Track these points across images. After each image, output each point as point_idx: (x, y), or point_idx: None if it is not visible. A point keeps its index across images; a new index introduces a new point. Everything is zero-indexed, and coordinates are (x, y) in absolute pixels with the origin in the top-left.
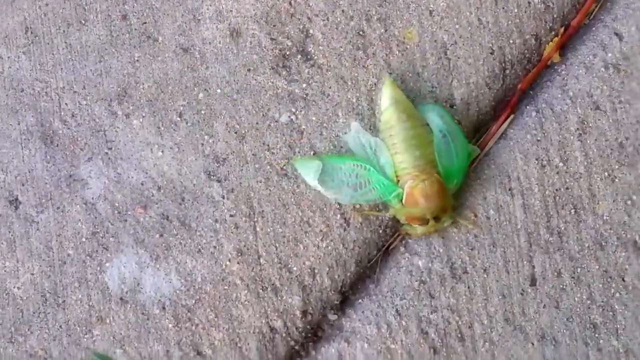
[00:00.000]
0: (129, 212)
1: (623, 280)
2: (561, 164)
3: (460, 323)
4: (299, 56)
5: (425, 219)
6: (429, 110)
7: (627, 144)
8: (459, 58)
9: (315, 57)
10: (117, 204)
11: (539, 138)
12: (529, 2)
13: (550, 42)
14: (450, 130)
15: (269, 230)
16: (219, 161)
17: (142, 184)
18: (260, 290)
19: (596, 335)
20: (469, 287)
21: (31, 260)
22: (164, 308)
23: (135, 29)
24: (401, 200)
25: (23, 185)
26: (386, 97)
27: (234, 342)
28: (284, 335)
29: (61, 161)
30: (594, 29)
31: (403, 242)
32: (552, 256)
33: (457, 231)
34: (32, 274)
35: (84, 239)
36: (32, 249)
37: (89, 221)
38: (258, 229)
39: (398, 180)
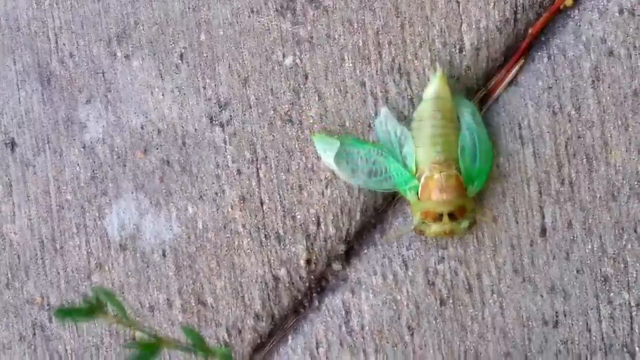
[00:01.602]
0: (129, 157)
1: (635, 231)
2: (573, 112)
3: (468, 274)
4: None
5: (439, 215)
6: (462, 106)
7: None
8: (468, 1)
9: None
10: (116, 148)
11: (550, 85)
12: None
13: None
14: (478, 132)
15: (272, 177)
16: (221, 105)
17: (142, 128)
18: (263, 239)
19: (607, 287)
20: (477, 237)
21: (28, 204)
22: (164, 255)
23: None
24: (417, 194)
25: (20, 127)
26: (431, 90)
27: (236, 291)
28: (287, 284)
29: (59, 103)
30: None
31: None
32: (562, 206)
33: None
34: (30, 219)
35: (82, 184)
36: (29, 193)
37: (87, 165)
38: (261, 175)
39: (417, 173)
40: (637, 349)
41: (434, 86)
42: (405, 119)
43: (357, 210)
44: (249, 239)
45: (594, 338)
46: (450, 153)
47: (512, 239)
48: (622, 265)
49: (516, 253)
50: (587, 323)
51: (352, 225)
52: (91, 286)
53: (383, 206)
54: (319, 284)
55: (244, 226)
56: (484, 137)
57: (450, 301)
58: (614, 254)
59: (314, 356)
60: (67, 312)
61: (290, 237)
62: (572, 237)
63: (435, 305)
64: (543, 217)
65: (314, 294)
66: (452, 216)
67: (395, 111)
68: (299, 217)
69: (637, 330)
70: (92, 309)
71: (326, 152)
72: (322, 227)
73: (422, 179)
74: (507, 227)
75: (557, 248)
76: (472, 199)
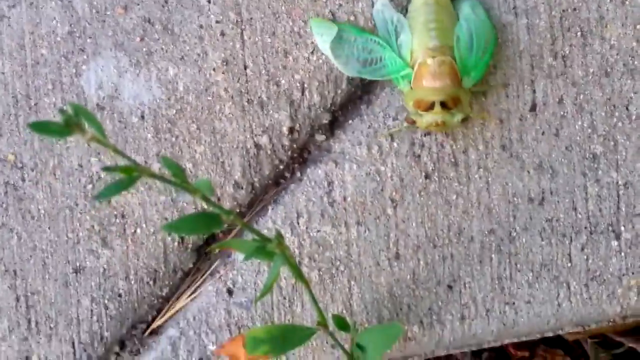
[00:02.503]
0: (108, 12)
1: (627, 109)
2: None
3: (454, 147)
4: None
5: (431, 103)
6: (464, 1)
7: None
8: None
9: None
10: (95, 3)
11: None
12: None
13: None
14: (476, 23)
15: (257, 39)
16: None
17: None
18: (246, 104)
19: (595, 166)
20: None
21: (2, 58)
22: (142, 117)
23: None
24: (410, 83)
25: None
26: None
27: (216, 157)
28: (269, 152)
29: None
30: None
31: None
32: (554, 81)
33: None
34: (3, 74)
35: (59, 39)
36: (2, 46)
37: (64, 20)
38: (245, 37)
39: (414, 62)
40: (622, 228)
41: None
42: (403, 9)
43: (343, 78)
44: (230, 104)
45: (580, 217)
46: (445, 40)
47: (501, 113)
48: (612, 144)
49: (504, 128)
50: (573, 201)
51: (338, 94)
52: (66, 148)
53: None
54: (302, 155)
55: (226, 90)
56: (483, 29)
57: (435, 175)
58: (604, 132)
59: (294, 226)
60: (42, 126)
61: (273, 104)
62: (562, 114)
63: (420, 178)
64: (534, 92)
65: (296, 165)
66: (444, 106)
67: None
68: (283, 82)
69: (623, 210)
70: (68, 124)
71: (323, 36)
72: (307, 94)
73: (416, 66)
74: (497, 101)
75: (547, 124)
76: (468, 91)
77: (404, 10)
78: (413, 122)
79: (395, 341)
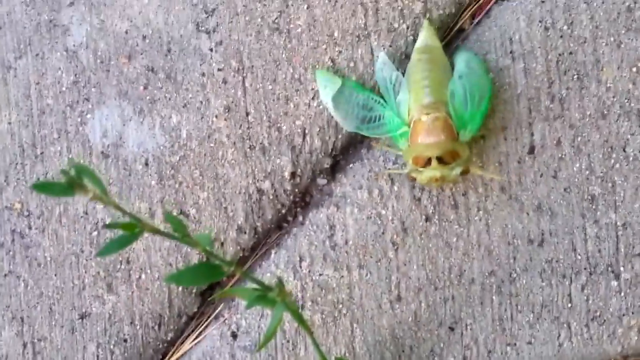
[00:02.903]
0: (112, 62)
1: (624, 150)
2: (565, 27)
3: (454, 190)
4: None
5: (428, 159)
6: (460, 56)
7: (635, 7)
8: None
9: None
10: (99, 53)
11: None
12: None
13: None
14: (471, 77)
15: (258, 86)
16: (208, 11)
17: (126, 33)
18: (248, 150)
19: (594, 207)
20: None
21: (8, 108)
22: (146, 164)
23: None
24: (408, 140)
25: (0, 28)
26: (420, 39)
27: (219, 202)
28: (271, 197)
29: (41, 4)
30: None
31: None
32: (552, 124)
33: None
34: (9, 123)
35: (64, 89)
36: (9, 96)
37: (70, 70)
38: (247, 84)
39: (410, 119)
40: (622, 269)
41: (422, 35)
42: (404, 59)
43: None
44: (233, 150)
45: (579, 258)
46: (439, 95)
47: (500, 156)
48: (610, 185)
49: (503, 170)
50: (572, 242)
51: (339, 138)
52: (72, 197)
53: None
54: (304, 199)
55: (228, 136)
56: (478, 83)
57: (436, 217)
58: (602, 173)
59: (297, 270)
60: (45, 186)
61: (275, 149)
62: (560, 156)
63: (421, 221)
64: (532, 134)
65: (298, 209)
66: (442, 161)
67: (392, 45)
68: (284, 128)
69: (622, 251)
70: (70, 183)
71: (326, 88)
72: (308, 139)
73: (412, 124)
74: (496, 144)
75: (545, 166)
76: (466, 145)
77: (402, 67)
78: (414, 179)
79: None
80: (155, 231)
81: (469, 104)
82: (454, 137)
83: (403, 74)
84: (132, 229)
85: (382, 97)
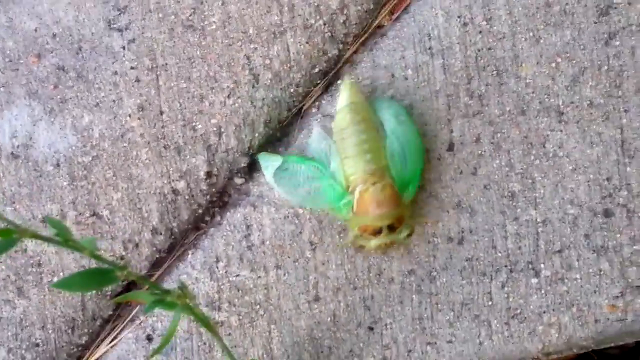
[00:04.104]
0: (22, 61)
1: (544, 147)
2: (484, 23)
3: None
4: None
5: (378, 229)
6: (384, 108)
7: (553, 2)
8: None
9: None
10: (8, 52)
11: None
12: None
13: None
14: (404, 133)
15: (172, 84)
16: (119, 9)
17: (35, 31)
18: (162, 149)
19: (514, 204)
20: None
21: None
22: (58, 165)
23: None
24: (352, 209)
25: None
26: (343, 97)
27: (133, 203)
28: (187, 197)
29: None
30: None
31: (316, 103)
32: (471, 120)
33: (372, 92)
34: None
35: None
36: None
37: None
38: (161, 83)
39: (349, 187)
40: (542, 266)
41: (346, 93)
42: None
43: (261, 121)
44: (147, 150)
45: (499, 255)
46: (380, 160)
47: None
48: (530, 181)
49: (423, 168)
50: (492, 240)
51: (255, 137)
52: None
53: (288, 118)
54: (221, 199)
55: (142, 136)
56: (411, 137)
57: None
58: (521, 169)
59: (213, 271)
60: None
61: (190, 148)
62: (479, 152)
63: (339, 220)
64: (451, 131)
65: (216, 209)
66: (391, 228)
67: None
68: (199, 127)
69: (542, 248)
70: None
71: (269, 168)
72: (224, 138)
73: (357, 193)
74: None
75: (465, 163)
76: (408, 205)
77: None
78: (362, 247)
79: None
80: (36, 236)
81: (407, 162)
82: (400, 202)
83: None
84: (9, 234)
85: (321, 164)
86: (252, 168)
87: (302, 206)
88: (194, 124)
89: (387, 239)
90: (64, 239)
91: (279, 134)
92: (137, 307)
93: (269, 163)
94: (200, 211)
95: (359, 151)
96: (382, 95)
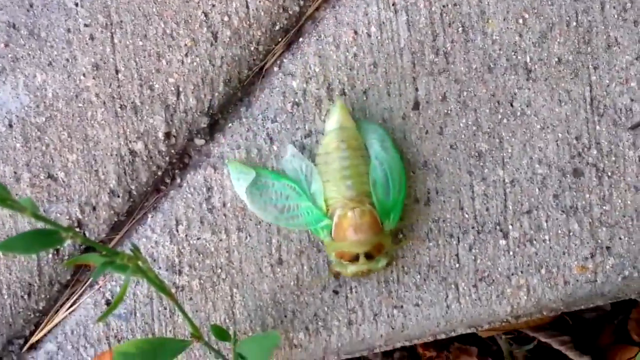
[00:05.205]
0: None
1: (511, 105)
2: None
3: None
4: None
5: (355, 255)
6: (370, 132)
7: None
8: None
9: None
10: None
11: None
12: None
13: None
14: (389, 160)
15: (128, 43)
16: None
17: None
18: (119, 109)
19: (481, 164)
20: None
21: None
22: (10, 126)
23: None
24: (330, 233)
25: None
26: (333, 120)
27: (89, 165)
28: (145, 159)
29: None
30: None
31: (277, 62)
32: (437, 78)
33: (335, 49)
34: None
35: None
36: None
37: None
38: (116, 41)
39: (328, 211)
40: (510, 227)
41: (335, 116)
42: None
43: (220, 81)
44: (103, 109)
45: (467, 216)
46: (361, 186)
47: (384, 112)
48: (497, 141)
49: (388, 127)
50: (460, 201)
51: (215, 96)
52: None
53: (249, 77)
54: (182, 160)
55: (97, 96)
56: (395, 164)
57: None
58: (489, 129)
59: (174, 235)
60: None
61: (147, 109)
62: (446, 111)
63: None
64: (416, 89)
65: (176, 171)
66: (368, 255)
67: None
68: (157, 87)
69: (510, 208)
70: None
71: (239, 180)
72: (182, 98)
73: (335, 218)
74: (379, 100)
75: (431, 122)
76: (389, 234)
77: (311, 153)
78: (338, 274)
79: (273, 349)
80: None
81: (390, 190)
82: (380, 230)
83: (313, 160)
84: None
85: (297, 184)
86: (213, 129)
87: (276, 223)
88: (151, 83)
89: (365, 266)
90: (1, 199)
91: (241, 94)
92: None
93: (240, 174)
94: (159, 173)
95: (341, 176)
96: (369, 118)
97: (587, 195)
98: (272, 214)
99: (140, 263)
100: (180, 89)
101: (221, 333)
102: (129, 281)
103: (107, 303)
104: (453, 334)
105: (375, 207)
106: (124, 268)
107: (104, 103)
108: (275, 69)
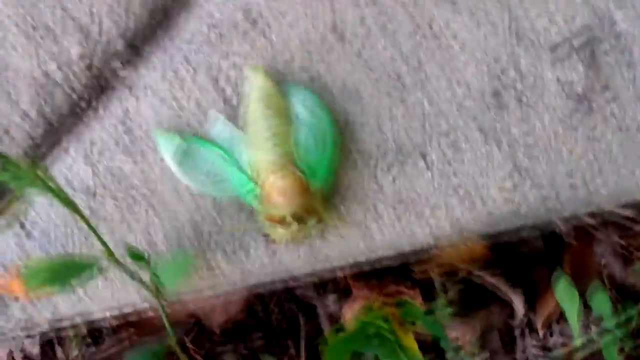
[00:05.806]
0: None
1: (431, 27)
2: None
3: None
4: None
5: (283, 218)
6: (295, 95)
7: None
8: None
9: None
10: None
11: None
12: None
13: None
14: (316, 123)
15: None
16: None
17: None
18: (31, 30)
19: (400, 86)
20: (263, 33)
21: None
22: None
23: None
24: (259, 199)
25: None
26: (255, 88)
27: (2, 89)
28: (60, 82)
29: None
30: None
31: None
32: (355, 1)
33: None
34: None
35: None
36: None
37: None
38: None
39: (255, 176)
40: (429, 148)
41: (257, 82)
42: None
43: (137, 2)
44: (15, 32)
45: (386, 138)
46: (286, 149)
47: (302, 35)
48: (416, 63)
49: (306, 49)
50: (379, 124)
51: (131, 19)
52: None
53: (169, 1)
54: (98, 84)
55: (8, 17)
56: (320, 124)
57: (234, 101)
58: (407, 51)
59: (88, 157)
60: None
61: (61, 30)
62: (365, 34)
63: (220, 102)
64: (334, 12)
65: (92, 94)
66: (298, 218)
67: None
68: (70, 7)
69: (429, 130)
70: None
71: (168, 151)
72: (96, 19)
73: (261, 182)
74: (294, 23)
75: (349, 45)
76: (318, 194)
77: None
78: (269, 237)
79: (187, 269)
80: None
81: (314, 150)
82: (306, 191)
83: (237, 124)
84: None
85: (224, 151)
86: (130, 52)
87: (204, 193)
88: (64, 4)
89: (295, 229)
90: None
91: (159, 17)
92: (10, 195)
93: (166, 143)
94: (75, 97)
95: (268, 143)
96: (295, 83)
97: (506, 117)
98: (201, 182)
99: (39, 172)
100: (94, 10)
101: (136, 254)
102: (26, 193)
103: (21, 225)
104: (373, 256)
105: (302, 170)
106: (20, 179)
107: (16, 24)
108: None
